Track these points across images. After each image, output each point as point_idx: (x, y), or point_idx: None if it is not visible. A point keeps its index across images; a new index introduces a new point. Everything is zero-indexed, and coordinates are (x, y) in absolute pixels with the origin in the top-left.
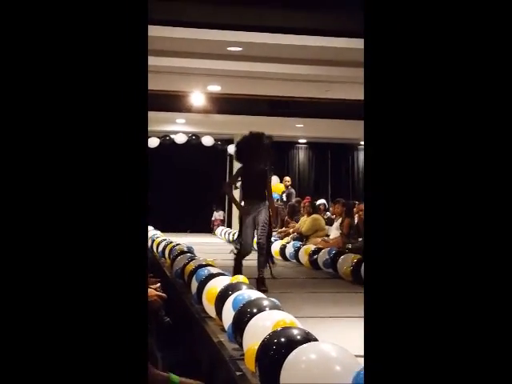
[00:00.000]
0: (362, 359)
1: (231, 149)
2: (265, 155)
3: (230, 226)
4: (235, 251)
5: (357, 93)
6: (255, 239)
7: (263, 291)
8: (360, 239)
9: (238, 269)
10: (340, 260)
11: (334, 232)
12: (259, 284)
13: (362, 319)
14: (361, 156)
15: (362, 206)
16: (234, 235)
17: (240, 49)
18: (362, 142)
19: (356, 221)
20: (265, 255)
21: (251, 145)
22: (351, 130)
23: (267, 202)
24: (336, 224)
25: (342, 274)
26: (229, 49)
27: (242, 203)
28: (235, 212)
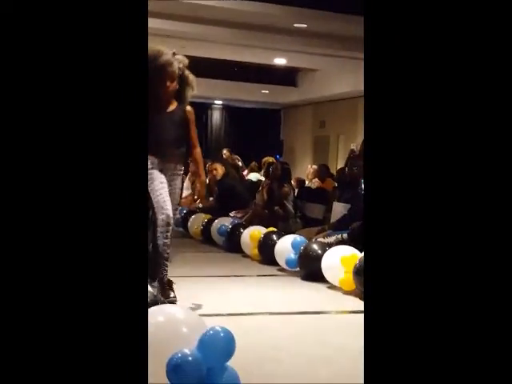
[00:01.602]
0: (208, 319)
1: None
2: (183, 85)
3: None
4: None
5: (210, 51)
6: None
7: (172, 301)
8: (211, 198)
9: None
10: (191, 220)
11: (185, 191)
12: (165, 289)
13: (212, 278)
14: (215, 115)
15: (215, 165)
16: None
17: None
18: (217, 101)
19: (208, 180)
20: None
21: (157, 68)
22: (205, 89)
23: (181, 167)
24: (187, 183)
25: (192, 233)
26: None
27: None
28: None
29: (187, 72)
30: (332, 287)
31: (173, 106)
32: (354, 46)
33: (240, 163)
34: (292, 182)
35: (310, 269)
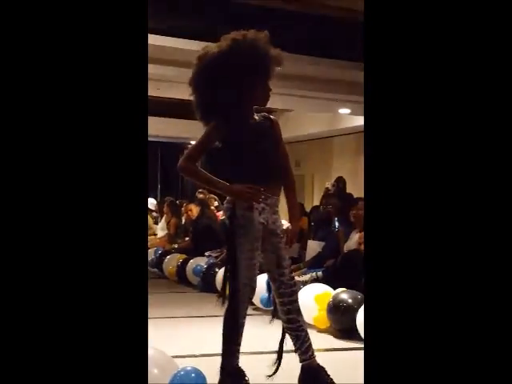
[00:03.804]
0: (179, 360)
1: None
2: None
3: None
4: (221, 302)
5: (187, 93)
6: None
7: None
8: (187, 238)
9: (232, 342)
10: (166, 260)
11: (160, 231)
12: (316, 376)
13: (187, 319)
14: None
15: (190, 206)
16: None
17: None
18: (193, 142)
19: (183, 220)
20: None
21: (259, 60)
22: (181, 130)
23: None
24: (162, 223)
25: (167, 274)
26: None
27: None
28: None
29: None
30: (307, 325)
31: (255, 116)
32: (326, 87)
33: (216, 203)
34: None
35: None
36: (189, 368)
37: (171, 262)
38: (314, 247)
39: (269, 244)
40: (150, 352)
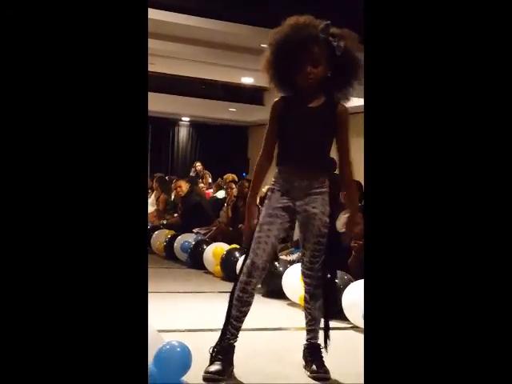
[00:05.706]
0: (165, 334)
1: None
2: (342, 72)
3: None
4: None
5: (179, 68)
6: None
7: (323, 378)
8: (176, 215)
9: (234, 319)
10: (154, 236)
11: (150, 207)
12: (314, 358)
13: (174, 294)
14: (182, 132)
15: (180, 183)
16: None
17: None
18: (184, 118)
19: (173, 197)
20: (321, 298)
21: (294, 44)
22: (173, 105)
23: (321, 184)
24: (151, 199)
25: (155, 249)
26: None
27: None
28: None
29: (354, 54)
30: (292, 304)
31: (318, 101)
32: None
33: (210, 179)
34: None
35: (271, 286)
36: (174, 342)
37: (159, 237)
38: None
39: (301, 224)
40: None
